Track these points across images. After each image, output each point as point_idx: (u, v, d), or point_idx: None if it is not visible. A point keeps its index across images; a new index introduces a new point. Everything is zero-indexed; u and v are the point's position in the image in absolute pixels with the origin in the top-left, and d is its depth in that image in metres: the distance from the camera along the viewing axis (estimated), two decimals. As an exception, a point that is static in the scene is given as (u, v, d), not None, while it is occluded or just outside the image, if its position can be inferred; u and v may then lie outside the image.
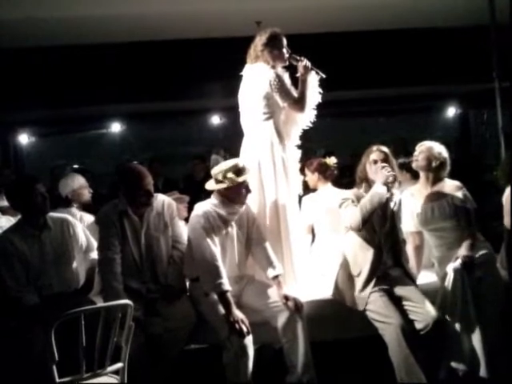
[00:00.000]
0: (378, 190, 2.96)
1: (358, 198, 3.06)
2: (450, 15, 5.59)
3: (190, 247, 3.08)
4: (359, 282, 3.03)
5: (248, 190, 3.06)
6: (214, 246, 2.98)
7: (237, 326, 2.81)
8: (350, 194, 3.14)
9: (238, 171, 3.00)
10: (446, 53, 6.23)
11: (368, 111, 8.44)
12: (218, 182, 3.03)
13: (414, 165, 3.41)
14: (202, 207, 3.07)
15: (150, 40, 5.81)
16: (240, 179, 2.98)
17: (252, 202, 3.30)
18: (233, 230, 3.10)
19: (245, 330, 2.81)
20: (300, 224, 3.57)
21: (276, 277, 3.08)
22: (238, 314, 2.87)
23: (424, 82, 6.56)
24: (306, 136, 3.59)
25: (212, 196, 3.12)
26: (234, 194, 3.03)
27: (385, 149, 3.12)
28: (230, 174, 2.98)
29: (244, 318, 2.86)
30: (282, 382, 2.94)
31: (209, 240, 2.96)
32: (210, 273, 2.94)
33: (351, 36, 6.04)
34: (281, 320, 2.93)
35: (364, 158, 3.15)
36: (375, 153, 3.10)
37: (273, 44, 3.34)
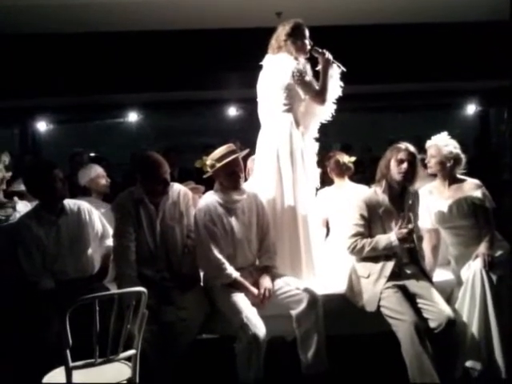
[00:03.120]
0: (392, 244, 2.95)
1: (371, 206, 3.03)
2: (472, 10, 5.49)
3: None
4: (370, 284, 3.01)
5: (237, 175, 3.04)
6: (216, 239, 2.99)
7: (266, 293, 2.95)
8: (363, 198, 3.09)
9: (220, 158, 3.04)
10: (467, 48, 6.13)
11: (386, 106, 8.36)
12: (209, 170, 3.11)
13: (428, 170, 3.37)
14: (205, 199, 3.11)
15: (169, 29, 5.81)
16: (218, 164, 3.02)
17: (270, 193, 3.30)
18: (238, 218, 3.09)
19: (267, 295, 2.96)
20: (316, 217, 3.55)
21: (267, 267, 3.10)
22: (255, 290, 2.98)
23: (444, 78, 6.47)
24: (322, 130, 3.56)
25: (214, 185, 3.16)
26: (223, 180, 3.07)
27: (412, 149, 3.06)
28: (210, 162, 3.06)
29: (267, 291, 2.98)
30: (293, 374, 2.93)
31: (209, 236, 2.98)
32: (214, 268, 2.98)
33: (370, 29, 5.97)
34: (299, 307, 2.93)
35: (389, 154, 3.09)
36: (403, 152, 3.03)
37: (296, 34, 3.31)
